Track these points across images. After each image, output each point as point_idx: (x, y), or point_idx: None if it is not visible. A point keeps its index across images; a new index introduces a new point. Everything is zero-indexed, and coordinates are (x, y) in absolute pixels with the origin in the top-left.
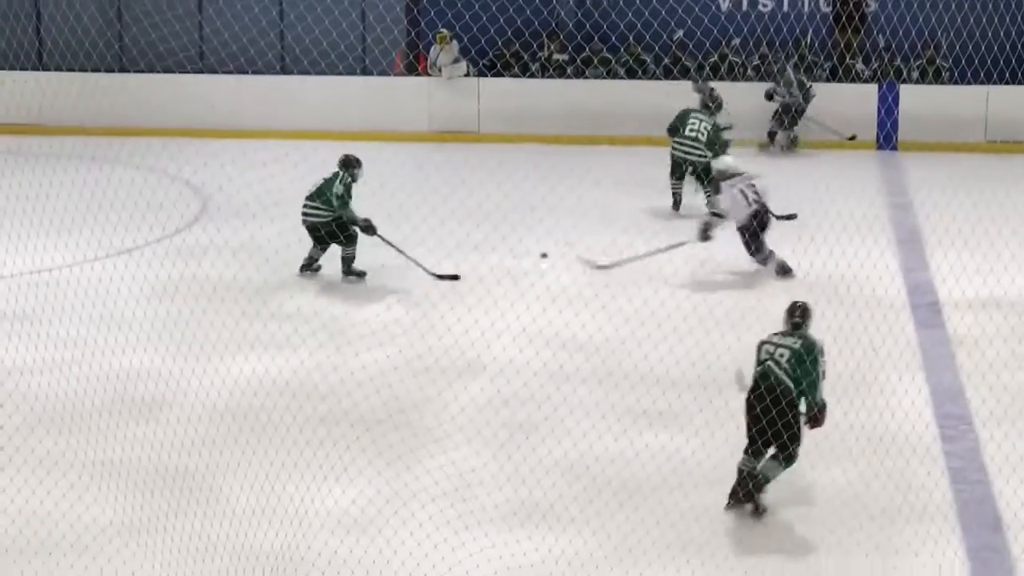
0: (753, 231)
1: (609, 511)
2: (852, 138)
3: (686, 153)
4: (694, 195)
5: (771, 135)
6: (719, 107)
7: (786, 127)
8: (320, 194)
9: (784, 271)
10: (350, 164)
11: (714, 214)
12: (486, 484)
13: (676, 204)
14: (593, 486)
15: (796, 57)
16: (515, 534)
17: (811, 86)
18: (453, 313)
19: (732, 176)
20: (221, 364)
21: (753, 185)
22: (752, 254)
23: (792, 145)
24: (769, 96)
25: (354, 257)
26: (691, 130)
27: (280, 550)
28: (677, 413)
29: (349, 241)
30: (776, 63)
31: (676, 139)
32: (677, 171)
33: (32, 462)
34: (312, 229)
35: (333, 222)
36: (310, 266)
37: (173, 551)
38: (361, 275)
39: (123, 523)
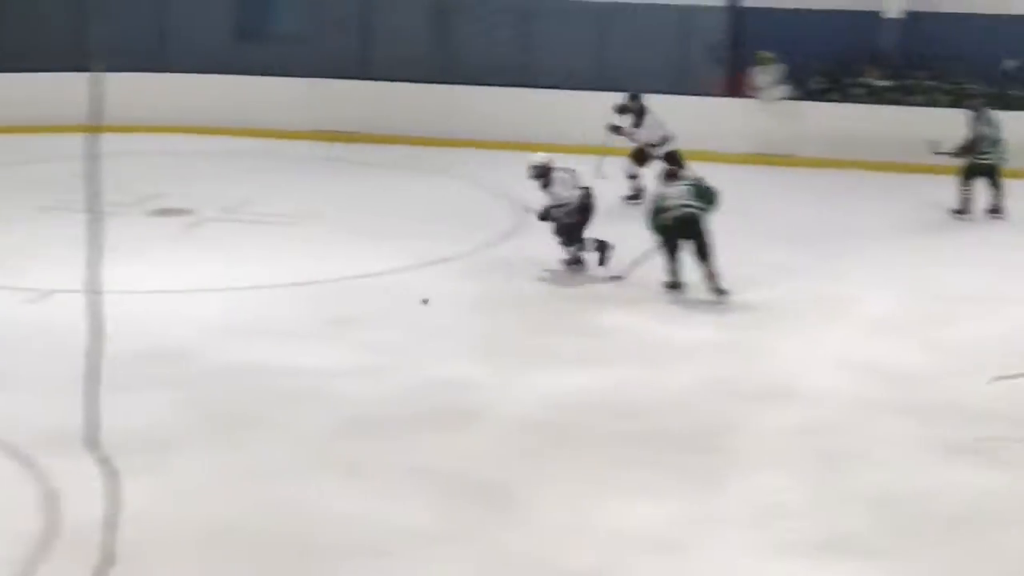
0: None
1: (919, 545)
2: None
3: (999, 159)
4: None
5: None
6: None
7: None
8: (703, 195)
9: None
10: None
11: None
12: (794, 512)
13: (968, 208)
14: (904, 518)
15: None
16: (823, 562)
17: None
18: (767, 337)
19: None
20: (537, 377)
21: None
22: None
23: None
24: None
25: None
26: (995, 127)
27: (591, 567)
28: (994, 447)
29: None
30: None
31: (988, 148)
32: (979, 178)
33: (343, 465)
34: (692, 222)
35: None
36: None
37: (479, 562)
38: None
39: (431, 530)
